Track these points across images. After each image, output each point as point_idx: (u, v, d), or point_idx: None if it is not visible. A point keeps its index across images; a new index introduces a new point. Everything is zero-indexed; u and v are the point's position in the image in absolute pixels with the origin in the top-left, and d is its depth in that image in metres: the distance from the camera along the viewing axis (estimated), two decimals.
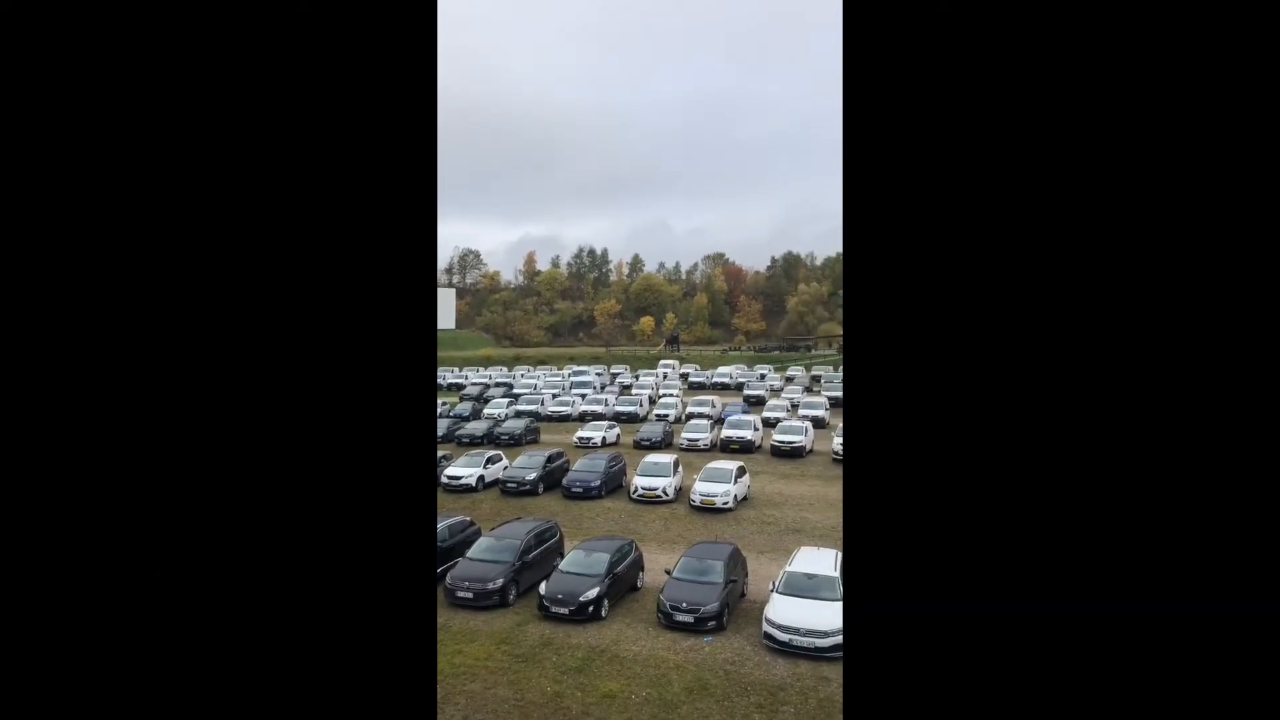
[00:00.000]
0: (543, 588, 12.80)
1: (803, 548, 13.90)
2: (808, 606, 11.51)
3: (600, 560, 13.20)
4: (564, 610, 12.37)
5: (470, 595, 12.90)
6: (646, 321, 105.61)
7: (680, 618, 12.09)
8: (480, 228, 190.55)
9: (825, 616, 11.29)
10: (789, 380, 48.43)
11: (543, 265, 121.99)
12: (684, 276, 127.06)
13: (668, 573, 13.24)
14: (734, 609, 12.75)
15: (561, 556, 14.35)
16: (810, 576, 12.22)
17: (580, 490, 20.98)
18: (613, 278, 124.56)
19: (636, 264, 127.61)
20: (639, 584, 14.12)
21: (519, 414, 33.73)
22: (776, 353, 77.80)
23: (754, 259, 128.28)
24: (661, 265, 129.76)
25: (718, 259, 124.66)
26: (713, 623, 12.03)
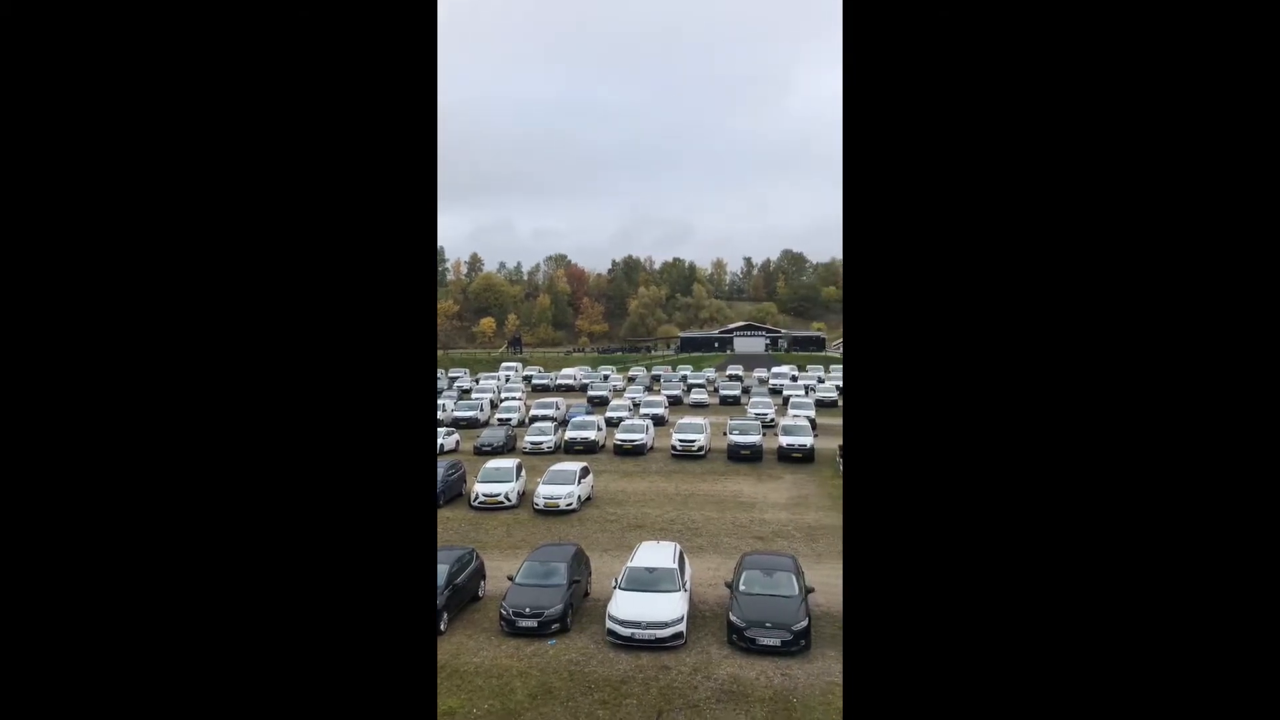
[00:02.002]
0: None
1: (644, 543, 14.29)
2: (649, 600, 11.86)
3: (438, 572, 12.63)
4: None
5: None
6: (487, 323, 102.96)
7: (523, 624, 11.92)
8: None
9: (665, 608, 11.70)
10: (631, 380, 49.66)
11: None
12: (526, 277, 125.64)
13: (510, 579, 13.00)
14: (578, 609, 12.81)
15: None
16: (651, 570, 12.59)
17: None
18: (450, 277, 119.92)
19: (475, 263, 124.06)
20: (481, 593, 13.71)
21: None
22: (619, 354, 79.50)
23: (596, 262, 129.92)
24: (502, 265, 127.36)
25: (560, 260, 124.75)
26: (556, 625, 11.99)
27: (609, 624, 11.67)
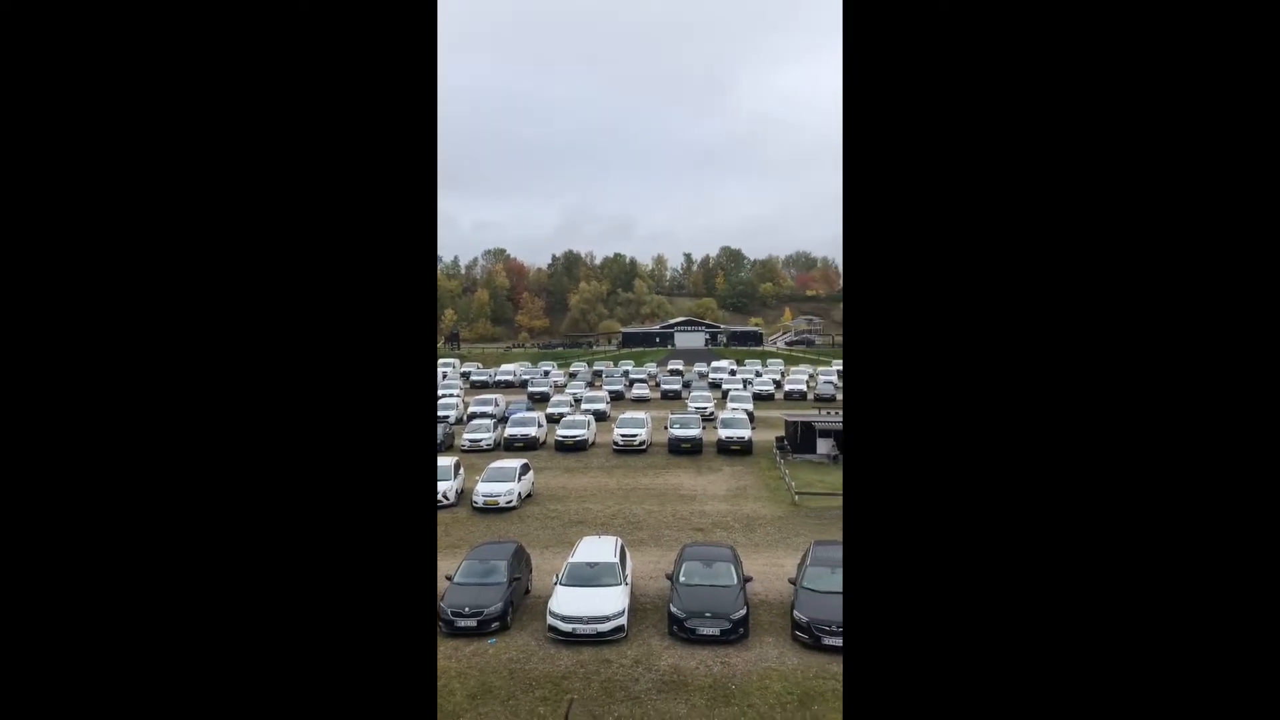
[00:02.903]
0: None
1: (585, 538, 14.28)
2: (590, 595, 11.86)
3: None
4: None
5: None
6: None
7: (463, 623, 11.73)
8: None
9: (606, 602, 11.73)
10: (572, 376, 49.43)
11: None
12: (464, 272, 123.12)
13: (449, 578, 12.76)
14: (519, 607, 12.70)
15: None
16: (592, 565, 12.60)
17: None
18: None
19: None
20: None
21: None
22: (560, 349, 78.93)
23: (536, 256, 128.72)
24: (439, 259, 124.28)
25: (499, 254, 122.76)
26: (497, 624, 11.85)
27: (550, 620, 11.62)
